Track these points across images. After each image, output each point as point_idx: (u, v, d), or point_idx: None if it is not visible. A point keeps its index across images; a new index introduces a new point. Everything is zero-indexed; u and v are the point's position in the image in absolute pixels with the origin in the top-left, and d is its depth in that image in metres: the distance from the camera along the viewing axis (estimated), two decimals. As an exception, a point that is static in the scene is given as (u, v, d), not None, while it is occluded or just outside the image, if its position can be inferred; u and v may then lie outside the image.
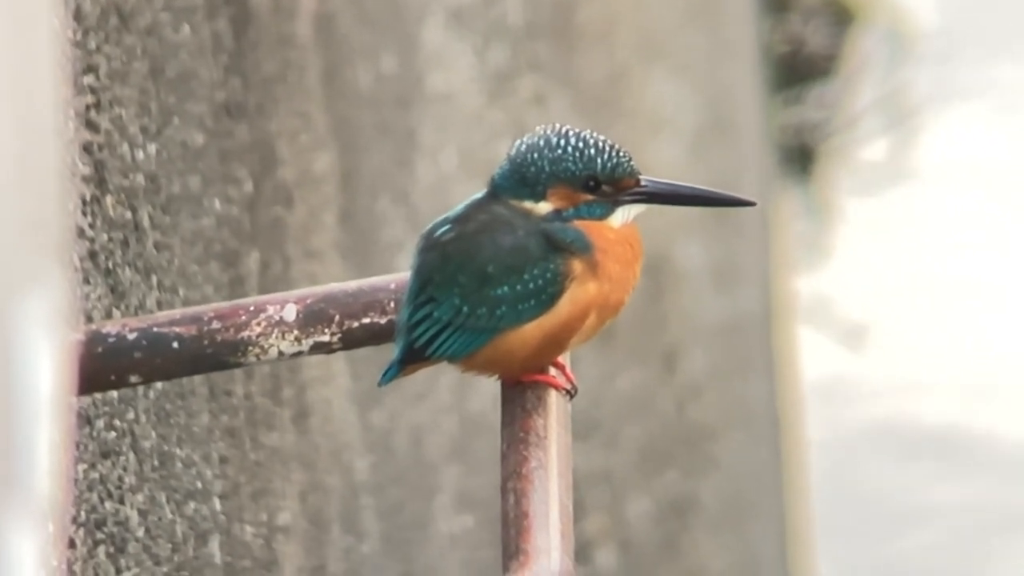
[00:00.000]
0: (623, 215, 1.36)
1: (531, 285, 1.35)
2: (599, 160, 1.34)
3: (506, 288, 1.35)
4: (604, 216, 1.35)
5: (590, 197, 1.35)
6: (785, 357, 3.52)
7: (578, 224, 1.35)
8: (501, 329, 1.36)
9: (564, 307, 1.35)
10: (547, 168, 1.34)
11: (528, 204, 1.35)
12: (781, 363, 3.45)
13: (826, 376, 4.53)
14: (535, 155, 1.35)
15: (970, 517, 4.27)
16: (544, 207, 1.35)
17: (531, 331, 1.35)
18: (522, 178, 1.35)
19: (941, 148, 5.17)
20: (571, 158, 1.34)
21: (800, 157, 5.14)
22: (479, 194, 1.38)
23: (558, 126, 1.36)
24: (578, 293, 1.35)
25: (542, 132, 1.36)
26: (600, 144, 1.34)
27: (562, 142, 1.34)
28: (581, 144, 1.34)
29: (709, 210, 3.00)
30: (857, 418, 4.57)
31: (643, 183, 1.36)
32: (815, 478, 3.90)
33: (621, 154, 1.35)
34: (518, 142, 1.36)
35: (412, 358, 1.38)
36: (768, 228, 3.40)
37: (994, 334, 4.74)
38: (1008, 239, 4.99)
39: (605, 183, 1.35)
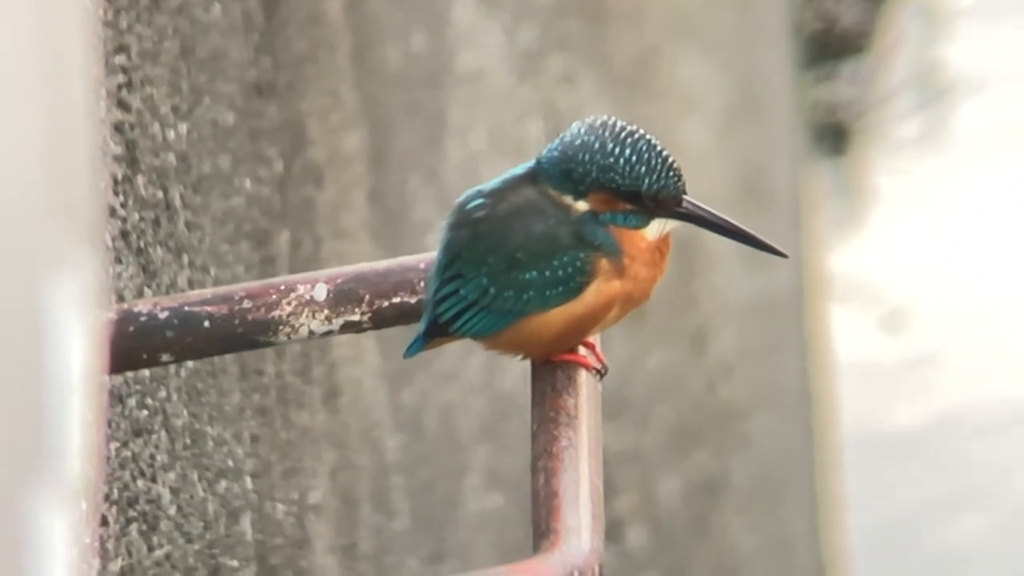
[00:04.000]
0: (659, 227, 1.36)
1: (560, 272, 1.35)
2: (647, 179, 1.34)
3: (535, 273, 1.36)
4: (639, 226, 1.36)
5: (630, 207, 1.35)
6: (817, 336, 3.51)
7: (611, 229, 1.35)
8: (527, 312, 1.36)
9: (589, 297, 1.36)
10: (594, 173, 1.35)
11: (568, 199, 1.36)
12: (813, 342, 3.44)
13: (859, 354, 4.52)
14: (586, 156, 1.35)
15: (1005, 495, 4.26)
16: (583, 206, 1.36)
17: (556, 316, 1.36)
18: (568, 172, 1.35)
19: (975, 125, 5.14)
20: (620, 170, 1.34)
21: (833, 135, 5.12)
22: (519, 168, 1.38)
23: (617, 127, 1.35)
24: (603, 287, 1.36)
25: (600, 131, 1.35)
26: (652, 161, 1.34)
27: (616, 150, 1.34)
28: (634, 158, 1.34)
29: (740, 187, 2.99)
30: (891, 396, 4.56)
31: (685, 204, 1.36)
32: (847, 457, 3.89)
33: (670, 173, 1.35)
34: (577, 127, 1.36)
35: (436, 332, 1.39)
36: (800, 206, 3.39)
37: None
38: (1042, 218, 4.96)
39: (647, 199, 1.35)
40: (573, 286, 1.36)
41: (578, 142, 1.36)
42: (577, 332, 1.37)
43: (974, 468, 4.37)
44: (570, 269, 1.36)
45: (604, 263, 1.36)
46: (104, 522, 1.48)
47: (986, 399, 4.53)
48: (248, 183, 1.77)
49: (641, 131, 1.36)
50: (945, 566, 4.15)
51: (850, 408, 4.18)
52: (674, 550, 2.70)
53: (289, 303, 1.41)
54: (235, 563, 1.67)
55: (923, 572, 4.14)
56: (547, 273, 1.36)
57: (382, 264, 1.44)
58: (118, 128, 1.55)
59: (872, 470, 4.33)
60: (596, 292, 1.36)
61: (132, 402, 1.54)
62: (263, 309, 1.41)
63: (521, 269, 1.36)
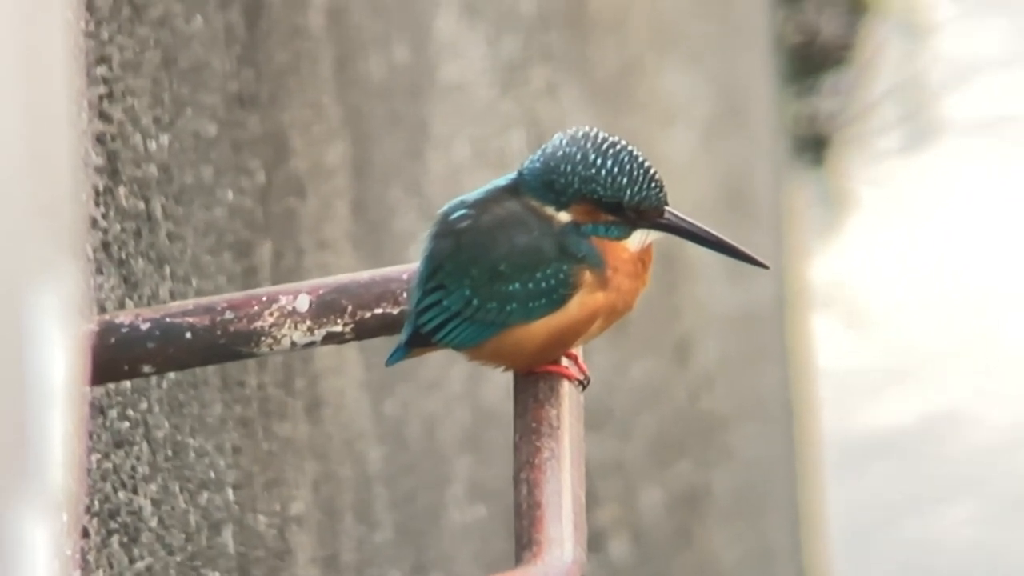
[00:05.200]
0: (641, 238, 1.37)
1: (543, 284, 1.36)
2: (629, 191, 1.35)
3: (517, 285, 1.36)
4: (621, 237, 1.37)
5: (611, 218, 1.36)
6: (799, 346, 3.52)
7: (593, 241, 1.36)
8: (510, 324, 1.36)
9: (573, 309, 1.36)
10: (576, 184, 1.35)
11: (549, 210, 1.36)
12: (795, 352, 3.44)
13: (840, 363, 4.53)
14: (568, 167, 1.35)
15: (985, 507, 4.26)
16: (565, 217, 1.36)
17: (539, 328, 1.36)
18: (550, 183, 1.36)
19: (954, 136, 5.16)
20: (602, 181, 1.35)
21: (814, 146, 5.13)
22: (502, 180, 1.38)
23: (599, 138, 1.35)
24: (587, 299, 1.36)
25: (581, 142, 1.35)
26: (634, 172, 1.35)
27: (598, 162, 1.34)
28: (616, 169, 1.34)
29: (722, 198, 3.00)
30: (871, 407, 4.57)
31: (666, 216, 1.36)
32: (829, 468, 3.90)
33: (651, 185, 1.35)
34: (558, 139, 1.36)
35: (418, 342, 1.39)
36: (782, 217, 3.40)
37: (1010, 322, 4.73)
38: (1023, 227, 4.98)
39: (629, 210, 1.35)
40: (556, 298, 1.36)
41: (560, 153, 1.36)
42: (560, 344, 1.38)
43: (954, 475, 4.38)
44: (553, 281, 1.36)
45: (587, 275, 1.36)
46: (85, 534, 1.48)
47: (966, 403, 4.53)
48: (230, 194, 1.76)
49: (623, 142, 1.36)
50: (926, 574, 4.15)
51: (832, 417, 4.18)
52: (656, 560, 2.70)
53: (271, 314, 1.41)
54: (217, 575, 1.66)
55: (905, 582, 4.15)
56: (530, 285, 1.36)
57: (364, 275, 1.44)
58: (100, 139, 1.54)
59: (854, 478, 4.33)
60: (579, 304, 1.36)
61: (113, 413, 1.53)
62: (245, 320, 1.41)
63: (504, 281, 1.36)
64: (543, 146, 1.38)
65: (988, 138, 5.18)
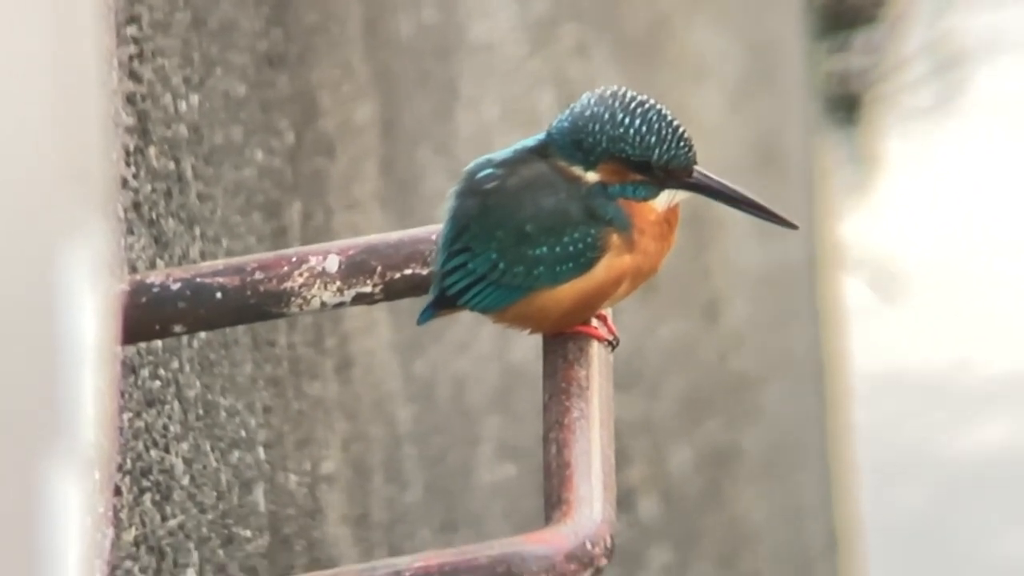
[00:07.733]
0: (668, 198, 1.36)
1: (570, 248, 1.35)
2: (657, 150, 1.34)
3: (545, 248, 1.36)
4: (649, 198, 1.36)
5: (639, 177, 1.35)
6: (829, 305, 3.51)
7: (620, 203, 1.35)
8: (536, 288, 1.36)
9: (600, 272, 1.36)
10: (604, 144, 1.34)
11: (577, 170, 1.36)
12: (825, 311, 3.44)
13: (871, 323, 4.52)
14: (596, 126, 1.34)
15: (1019, 464, 4.26)
16: (592, 176, 1.36)
17: (565, 292, 1.36)
18: (578, 143, 1.35)
19: (987, 93, 5.13)
20: (630, 140, 1.34)
21: (846, 104, 5.11)
22: (530, 140, 1.38)
23: (627, 97, 1.34)
24: (614, 262, 1.36)
25: (610, 101, 1.34)
26: (663, 131, 1.34)
27: (626, 120, 1.34)
28: (644, 128, 1.34)
29: (752, 157, 2.99)
30: (902, 366, 4.56)
31: (695, 175, 1.36)
32: (859, 426, 3.89)
33: (681, 143, 1.35)
34: (586, 98, 1.35)
35: (444, 304, 1.39)
36: (813, 176, 3.39)
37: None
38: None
39: (658, 169, 1.35)
40: (584, 262, 1.36)
41: (588, 112, 1.36)
42: (586, 308, 1.37)
43: (986, 434, 4.37)
44: (581, 245, 1.36)
45: (614, 238, 1.36)
46: (118, 492, 1.49)
47: (997, 364, 4.52)
48: (260, 154, 1.77)
49: (651, 101, 1.36)
50: (957, 536, 4.15)
51: (862, 376, 4.18)
52: (686, 519, 2.70)
53: (301, 274, 1.42)
54: (248, 533, 1.67)
55: (936, 543, 4.15)
56: (558, 249, 1.36)
57: (394, 235, 1.44)
58: (130, 99, 1.55)
59: (885, 437, 4.32)
60: (607, 267, 1.36)
61: (145, 373, 1.54)
62: (275, 280, 1.41)
63: (531, 244, 1.36)
64: (571, 105, 1.37)
65: (1021, 94, 5.14)
